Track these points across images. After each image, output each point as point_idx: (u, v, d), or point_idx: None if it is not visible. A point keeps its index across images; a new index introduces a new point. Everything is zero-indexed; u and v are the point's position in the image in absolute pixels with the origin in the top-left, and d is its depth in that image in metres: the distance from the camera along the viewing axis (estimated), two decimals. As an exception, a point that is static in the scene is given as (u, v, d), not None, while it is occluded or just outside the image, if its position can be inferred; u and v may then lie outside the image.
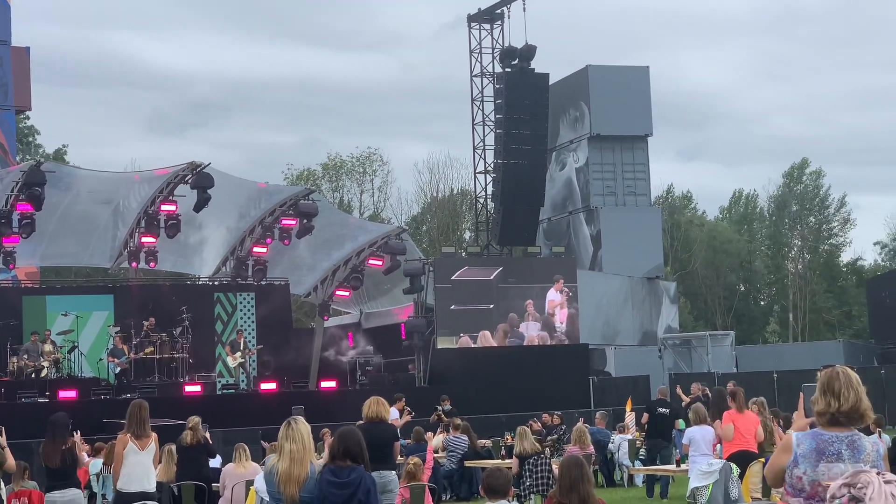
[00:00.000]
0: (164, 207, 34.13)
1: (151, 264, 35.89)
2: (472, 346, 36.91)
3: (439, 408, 27.92)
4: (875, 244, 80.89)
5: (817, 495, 6.19)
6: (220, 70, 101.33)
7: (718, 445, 16.84)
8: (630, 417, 28.26)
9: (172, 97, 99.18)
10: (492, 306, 37.32)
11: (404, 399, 26.74)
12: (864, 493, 5.68)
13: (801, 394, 6.59)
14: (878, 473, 5.79)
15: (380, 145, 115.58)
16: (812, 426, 6.54)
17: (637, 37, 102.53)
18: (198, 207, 33.71)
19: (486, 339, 36.95)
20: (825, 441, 6.31)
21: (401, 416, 26.09)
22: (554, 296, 38.30)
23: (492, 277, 37.25)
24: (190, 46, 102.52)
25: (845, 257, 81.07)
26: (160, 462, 17.65)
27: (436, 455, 23.37)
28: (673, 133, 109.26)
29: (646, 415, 23.75)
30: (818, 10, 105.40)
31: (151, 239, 34.81)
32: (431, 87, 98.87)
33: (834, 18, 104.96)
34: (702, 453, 16.43)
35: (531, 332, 37.51)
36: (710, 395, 25.90)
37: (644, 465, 23.33)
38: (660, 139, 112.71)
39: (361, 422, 13.55)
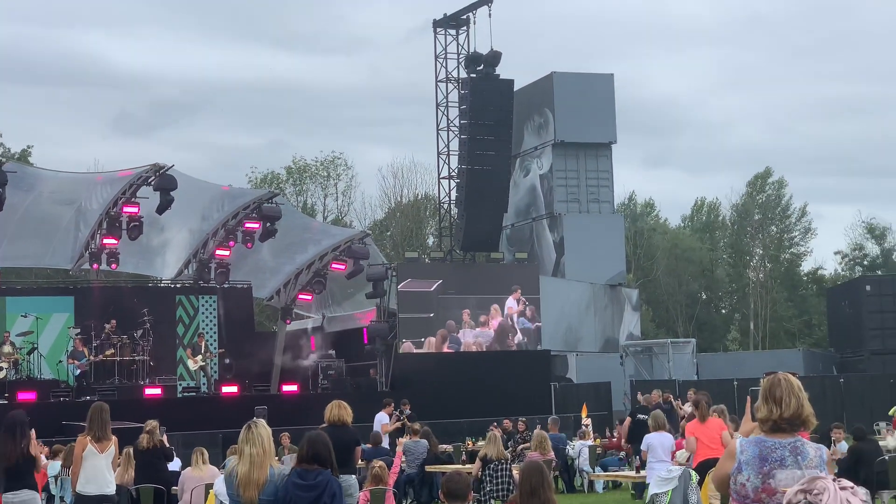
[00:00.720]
0: (126, 209, 33.97)
1: (113, 266, 35.71)
2: (418, 351, 37.10)
3: (401, 412, 27.93)
4: (836, 254, 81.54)
5: (761, 501, 6.24)
6: (186, 71, 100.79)
7: (679, 452, 16.93)
8: (588, 422, 28.34)
9: (137, 97, 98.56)
10: (432, 315, 37.35)
11: (393, 404, 26.82)
12: (820, 499, 5.73)
13: (749, 398, 6.64)
14: (833, 480, 5.84)
15: (345, 149, 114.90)
16: None
17: (603, 44, 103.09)
18: (160, 209, 33.59)
19: (430, 344, 37.09)
20: (768, 447, 6.37)
21: (390, 420, 26.20)
22: (512, 303, 38.41)
23: (432, 289, 37.33)
24: (156, 46, 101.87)
25: (806, 266, 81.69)
26: (119, 465, 17.60)
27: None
28: (637, 140, 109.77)
29: (628, 419, 23.87)
30: (782, 19, 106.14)
31: (113, 241, 34.62)
32: (398, 91, 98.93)
33: (798, 28, 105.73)
34: (659, 460, 16.49)
35: (467, 338, 37.59)
36: (671, 402, 26.07)
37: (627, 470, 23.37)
38: (624, 146, 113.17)
39: (323, 425, 13.53)
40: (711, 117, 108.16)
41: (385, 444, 26.21)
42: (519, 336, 38.49)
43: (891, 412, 28.16)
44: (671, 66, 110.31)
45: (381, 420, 26.39)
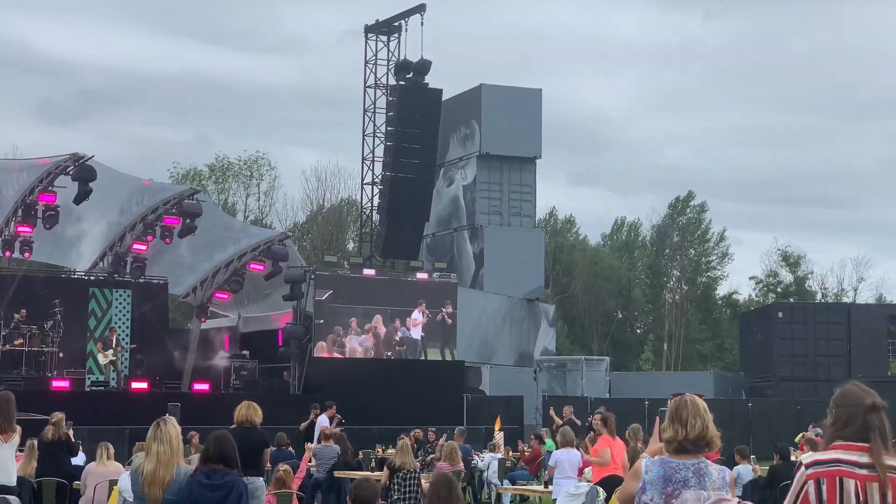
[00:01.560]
0: (42, 198, 33.46)
1: (26, 255, 35.15)
2: (334, 356, 37.07)
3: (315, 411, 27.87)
4: (750, 279, 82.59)
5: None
6: (114, 61, 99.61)
7: (586, 469, 16.99)
8: (499, 436, 28.36)
9: (63, 85, 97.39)
10: (322, 321, 37.26)
11: (335, 406, 26.67)
12: (725, 521, 5.76)
13: (657, 418, 6.68)
14: (738, 502, 5.88)
15: (271, 149, 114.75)
16: None
17: (535, 59, 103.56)
18: (78, 200, 33.15)
19: (321, 348, 37.03)
20: (672, 468, 6.40)
21: (331, 423, 26.04)
22: (417, 315, 38.43)
23: (324, 298, 37.23)
24: (84, 34, 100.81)
25: (721, 290, 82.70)
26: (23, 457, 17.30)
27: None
28: (564, 157, 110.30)
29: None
30: (714, 45, 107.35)
31: (28, 229, 34.08)
32: (328, 94, 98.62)
33: (728, 55, 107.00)
34: (566, 476, 16.56)
35: (353, 343, 37.48)
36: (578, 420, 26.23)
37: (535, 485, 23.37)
38: (550, 162, 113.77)
39: (232, 426, 13.40)
40: (639, 138, 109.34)
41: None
42: (399, 345, 38.53)
43: (797, 439, 28.49)
44: (601, 85, 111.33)
45: (322, 423, 26.28)
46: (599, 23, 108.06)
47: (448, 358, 39.05)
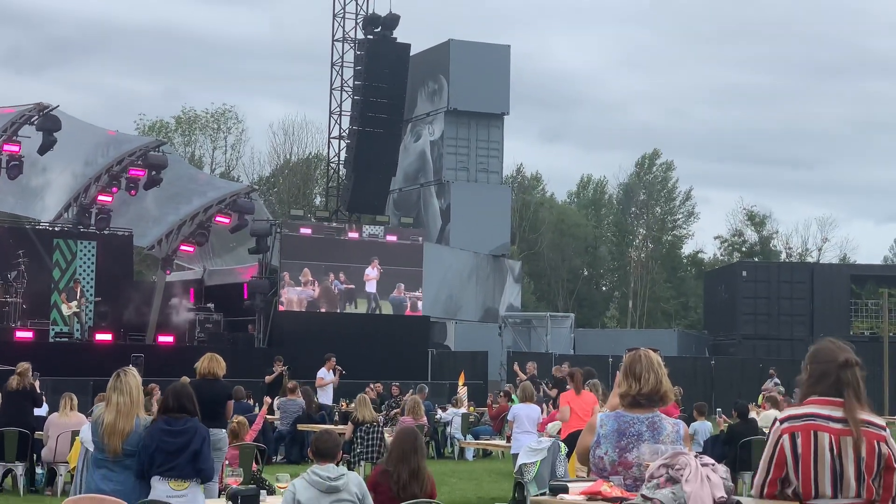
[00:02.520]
0: (6, 147, 33.19)
1: (-10, 205, 34.94)
2: (299, 310, 37.10)
3: (283, 368, 27.83)
4: (715, 238, 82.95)
5: (618, 474, 6.34)
6: (83, 10, 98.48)
7: (550, 424, 17.09)
8: (463, 391, 28.50)
9: (31, 34, 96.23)
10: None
11: (334, 358, 26.60)
12: (682, 474, 5.82)
13: (618, 373, 6.74)
14: (696, 455, 5.95)
15: (239, 102, 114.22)
16: None
17: (506, 14, 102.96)
18: (42, 150, 32.92)
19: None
20: (626, 422, 6.47)
21: (335, 374, 26.01)
22: (370, 271, 38.44)
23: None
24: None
25: (687, 249, 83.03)
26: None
27: (270, 417, 23.25)
28: (534, 113, 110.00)
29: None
30: (686, 3, 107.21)
31: (-8, 178, 33.85)
32: (298, 47, 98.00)
33: (700, 14, 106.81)
34: (525, 430, 16.68)
35: (290, 296, 37.38)
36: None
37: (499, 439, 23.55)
38: (520, 118, 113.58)
39: (195, 378, 13.41)
40: (609, 95, 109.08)
41: (329, 399, 26.16)
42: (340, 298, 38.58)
43: (759, 400, 28.76)
44: (572, 42, 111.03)
45: (322, 375, 26.52)
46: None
47: (379, 311, 38.93)
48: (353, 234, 38.59)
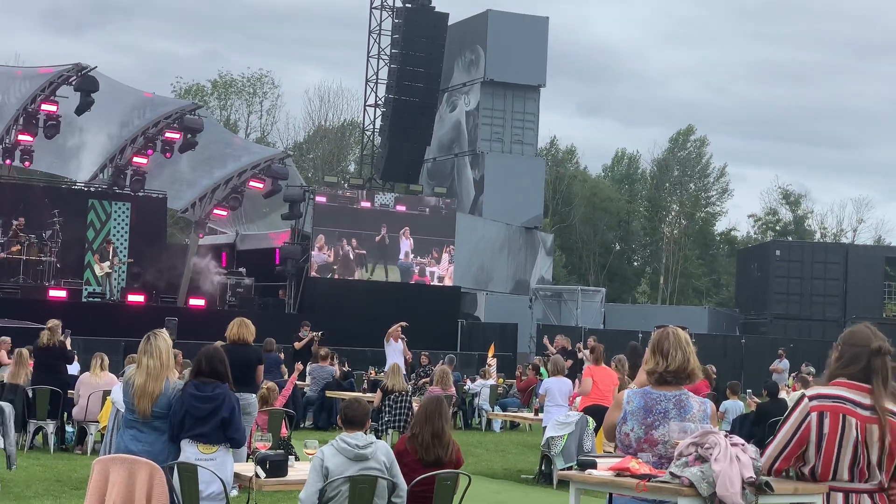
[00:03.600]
0: (44, 107, 33.33)
1: (26, 163, 35.09)
2: (330, 277, 37.13)
3: (315, 334, 27.28)
4: (749, 216, 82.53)
5: (643, 451, 6.34)
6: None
7: (577, 399, 17.11)
8: (493, 363, 28.51)
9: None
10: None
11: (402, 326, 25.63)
12: (711, 454, 5.82)
13: (648, 350, 6.73)
14: (725, 435, 5.94)
15: (278, 66, 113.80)
16: None
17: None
18: (80, 110, 33.02)
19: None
20: (653, 399, 6.45)
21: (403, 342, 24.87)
22: (403, 242, 38.46)
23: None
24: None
25: (720, 226, 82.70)
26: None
27: (300, 382, 23.32)
28: (573, 85, 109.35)
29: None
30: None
31: (29, 137, 33.99)
32: (337, 13, 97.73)
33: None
34: (556, 404, 16.67)
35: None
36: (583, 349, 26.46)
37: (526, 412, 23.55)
38: (558, 90, 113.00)
39: (224, 342, 13.46)
40: (649, 69, 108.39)
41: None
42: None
43: (788, 382, 28.65)
44: (614, 14, 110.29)
45: (398, 349, 24.39)
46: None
47: (386, 276, 38.84)
48: (366, 204, 38.43)
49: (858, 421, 5.57)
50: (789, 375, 30.78)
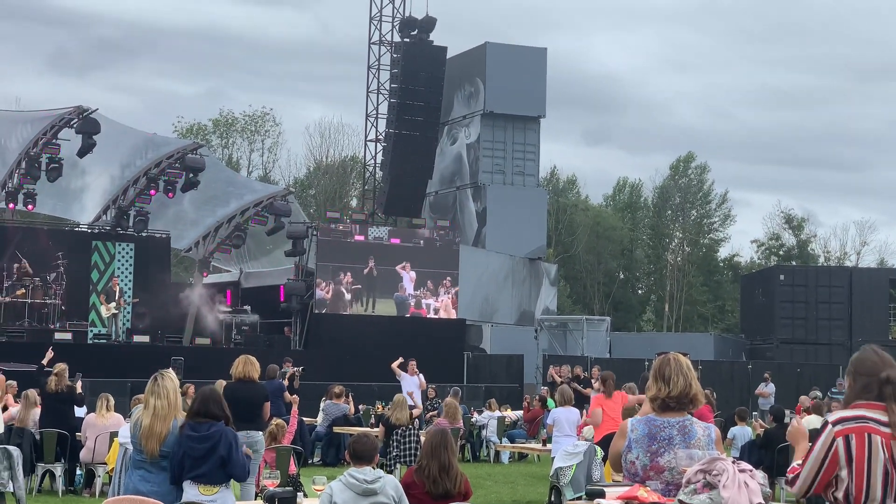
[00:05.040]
0: (46, 150, 33.45)
1: (29, 207, 35.17)
2: (335, 312, 37.06)
3: (296, 370, 27.10)
4: (752, 242, 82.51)
5: (650, 479, 6.33)
6: (128, 11, 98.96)
7: (585, 428, 17.07)
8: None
9: (77, 35, 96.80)
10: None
11: (414, 361, 25.83)
12: (719, 480, 5.82)
13: (650, 377, 6.74)
14: (733, 462, 5.94)
15: (280, 102, 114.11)
16: None
17: (547, 14, 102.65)
18: (82, 153, 33.14)
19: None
20: (657, 426, 6.46)
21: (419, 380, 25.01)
22: (404, 275, 38.42)
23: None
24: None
25: (723, 252, 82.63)
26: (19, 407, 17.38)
27: (309, 419, 23.28)
28: (575, 114, 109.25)
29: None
30: (731, 3, 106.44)
31: (31, 181, 34.10)
32: (337, 49, 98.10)
33: (749, 13, 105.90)
34: (565, 434, 16.65)
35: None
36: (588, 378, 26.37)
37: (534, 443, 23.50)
38: (560, 119, 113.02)
39: (230, 381, 13.45)
40: (651, 96, 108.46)
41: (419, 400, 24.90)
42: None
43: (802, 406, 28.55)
44: (615, 42, 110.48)
45: (414, 384, 25.01)
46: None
47: (370, 309, 38.70)
48: (360, 237, 38.34)
49: (883, 438, 5.57)
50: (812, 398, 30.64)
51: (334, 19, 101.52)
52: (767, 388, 34.47)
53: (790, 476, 5.80)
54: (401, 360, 25.70)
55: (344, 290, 37.80)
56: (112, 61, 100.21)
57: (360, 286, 38.02)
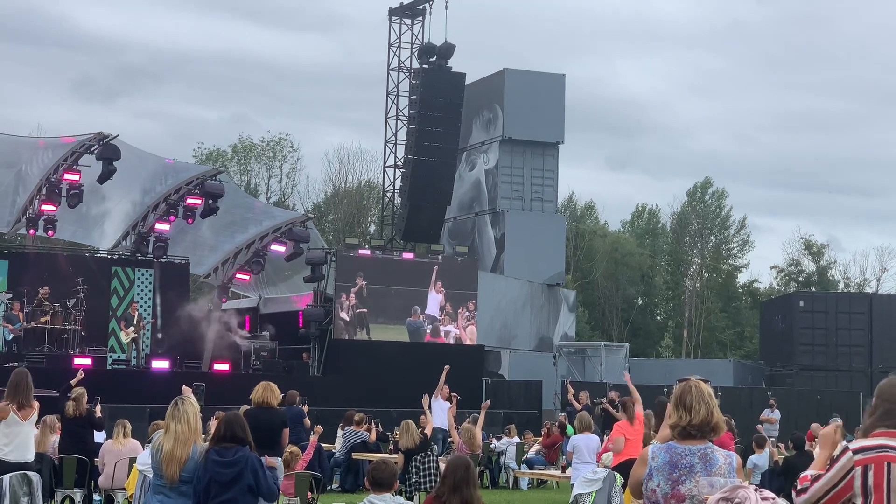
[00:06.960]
0: (67, 176, 33.64)
1: (50, 233, 35.35)
2: (353, 339, 37.01)
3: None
4: (772, 268, 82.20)
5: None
6: (154, 38, 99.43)
7: (605, 455, 17.02)
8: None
9: (102, 62, 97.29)
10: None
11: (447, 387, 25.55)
12: (742, 508, 5.79)
13: (670, 404, 6.71)
14: (755, 489, 5.91)
15: (300, 128, 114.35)
16: None
17: (572, 39, 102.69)
18: (102, 179, 33.30)
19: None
20: (678, 454, 6.43)
21: (451, 402, 24.83)
22: (432, 294, 38.35)
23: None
24: (125, 10, 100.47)
25: (742, 279, 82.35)
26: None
27: (327, 445, 23.26)
28: (597, 139, 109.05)
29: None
30: (759, 27, 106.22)
31: (52, 207, 34.28)
32: (357, 75, 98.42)
33: (773, 37, 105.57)
34: (584, 461, 16.61)
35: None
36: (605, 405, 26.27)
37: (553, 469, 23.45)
38: (581, 145, 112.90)
39: (250, 407, 13.46)
40: (674, 122, 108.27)
41: (444, 423, 24.57)
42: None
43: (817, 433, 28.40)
44: (637, 67, 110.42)
45: (444, 407, 24.74)
46: (645, 1, 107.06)
47: (364, 334, 38.37)
48: (365, 252, 38.44)
49: None
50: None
51: (358, 45, 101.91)
52: (773, 415, 34.27)
53: (799, 485, 5.78)
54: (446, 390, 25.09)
55: (345, 315, 37.65)
56: (137, 88, 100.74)
57: (365, 310, 37.87)
